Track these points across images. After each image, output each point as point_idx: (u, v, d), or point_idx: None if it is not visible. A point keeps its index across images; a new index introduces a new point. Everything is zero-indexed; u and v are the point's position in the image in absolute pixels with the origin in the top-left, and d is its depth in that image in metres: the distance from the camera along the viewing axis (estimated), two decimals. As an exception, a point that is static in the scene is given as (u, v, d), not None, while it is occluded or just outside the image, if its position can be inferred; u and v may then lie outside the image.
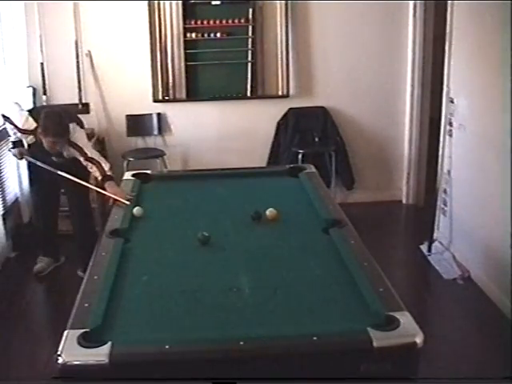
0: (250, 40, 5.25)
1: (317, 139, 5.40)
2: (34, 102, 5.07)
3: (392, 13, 5.25)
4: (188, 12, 5.16)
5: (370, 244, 2.69)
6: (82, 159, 3.77)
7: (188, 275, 2.49)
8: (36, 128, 3.74)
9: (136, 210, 3.13)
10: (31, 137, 3.83)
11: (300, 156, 5.15)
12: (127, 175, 3.80)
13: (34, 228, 4.47)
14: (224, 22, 5.17)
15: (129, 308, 2.22)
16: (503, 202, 3.57)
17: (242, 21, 5.19)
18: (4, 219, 4.48)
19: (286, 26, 5.20)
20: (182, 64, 5.25)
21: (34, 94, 5.09)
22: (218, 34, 5.20)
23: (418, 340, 1.92)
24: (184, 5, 5.13)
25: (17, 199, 4.73)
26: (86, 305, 2.17)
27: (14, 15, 4.75)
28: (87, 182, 3.87)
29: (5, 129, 4.19)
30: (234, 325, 2.09)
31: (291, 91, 5.36)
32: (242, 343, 1.90)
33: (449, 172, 4.46)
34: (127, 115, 5.33)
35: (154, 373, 1.89)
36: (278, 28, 5.22)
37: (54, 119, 3.68)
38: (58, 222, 4.34)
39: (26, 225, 4.72)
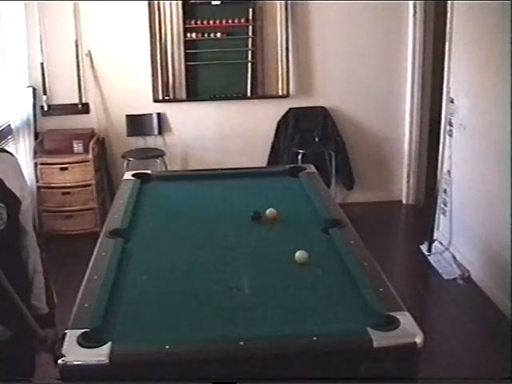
0: (250, 40, 5.25)
1: (317, 139, 5.40)
2: (34, 102, 5.08)
3: (392, 13, 5.25)
4: (188, 12, 5.16)
5: (370, 244, 2.68)
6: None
7: (188, 275, 2.49)
8: None
9: (299, 256, 2.57)
10: None
11: (300, 156, 5.15)
12: (127, 175, 3.79)
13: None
14: (224, 22, 5.18)
15: (129, 308, 2.22)
16: (503, 202, 3.57)
17: (242, 21, 5.19)
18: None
19: (286, 26, 5.20)
20: (182, 64, 5.25)
21: (34, 94, 5.09)
22: (218, 34, 5.20)
23: (418, 340, 1.92)
24: (184, 5, 5.13)
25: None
26: (86, 305, 2.16)
27: (14, 15, 4.74)
28: None
29: (5, 129, 4.19)
30: (234, 325, 2.08)
31: (291, 91, 5.35)
32: (241, 343, 1.89)
33: (449, 172, 4.46)
34: (127, 115, 5.33)
35: (154, 373, 1.88)
36: (278, 28, 5.22)
37: None
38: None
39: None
